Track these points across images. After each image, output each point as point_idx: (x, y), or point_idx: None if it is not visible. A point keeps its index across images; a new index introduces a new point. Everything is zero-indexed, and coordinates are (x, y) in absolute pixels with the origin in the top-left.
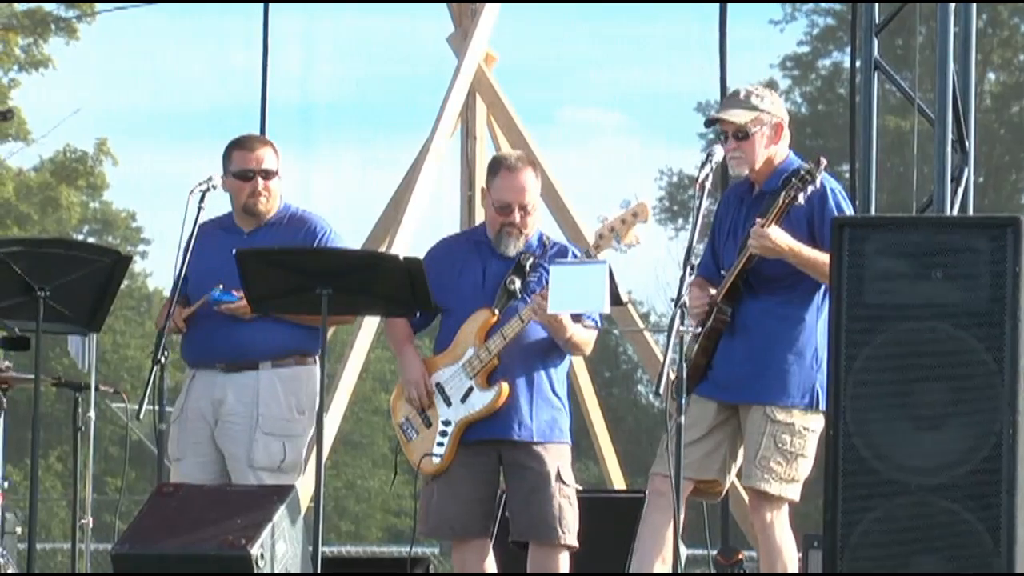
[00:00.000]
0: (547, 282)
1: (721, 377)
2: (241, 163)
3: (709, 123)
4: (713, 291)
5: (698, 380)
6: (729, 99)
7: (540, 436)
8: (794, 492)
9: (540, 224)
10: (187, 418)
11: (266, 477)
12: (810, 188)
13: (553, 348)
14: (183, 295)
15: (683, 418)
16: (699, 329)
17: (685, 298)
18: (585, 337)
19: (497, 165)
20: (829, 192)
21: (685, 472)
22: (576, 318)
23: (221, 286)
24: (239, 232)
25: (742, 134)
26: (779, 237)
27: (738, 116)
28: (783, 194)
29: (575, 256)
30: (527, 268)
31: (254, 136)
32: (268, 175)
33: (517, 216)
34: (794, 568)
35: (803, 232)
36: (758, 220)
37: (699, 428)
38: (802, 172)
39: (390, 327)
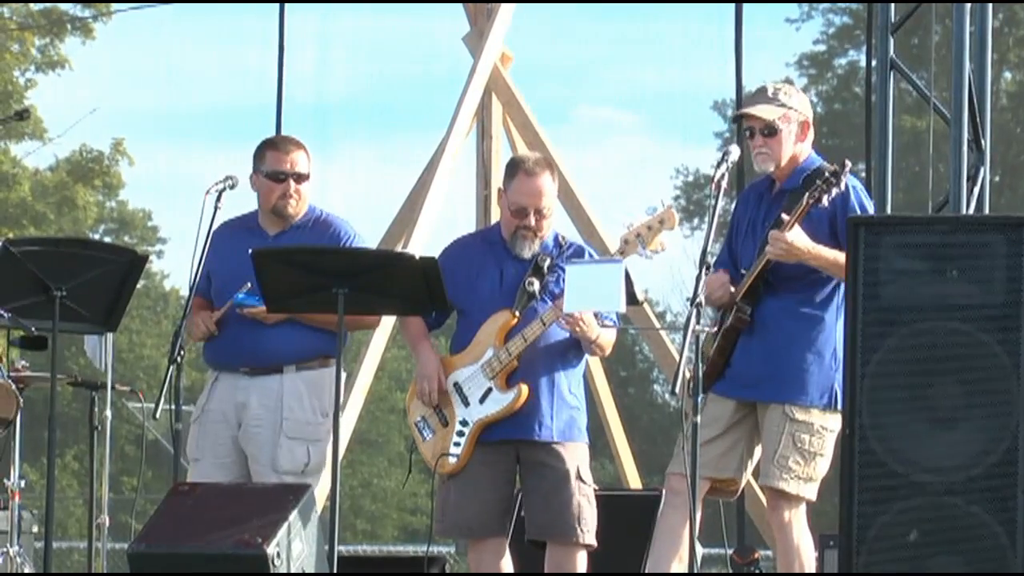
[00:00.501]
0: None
1: (740, 375)
2: (274, 164)
3: (736, 118)
4: (732, 287)
5: (715, 378)
6: (757, 95)
7: (560, 436)
8: (811, 491)
9: (555, 224)
10: (208, 419)
11: (290, 481)
12: (834, 191)
13: (571, 349)
14: (207, 297)
15: (699, 417)
16: (715, 329)
17: (701, 297)
18: (609, 338)
19: (515, 168)
20: (851, 191)
21: (702, 471)
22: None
23: (249, 285)
24: (264, 234)
25: (769, 130)
26: (798, 241)
27: (766, 112)
28: (806, 196)
29: (591, 256)
30: (545, 269)
31: (289, 138)
32: (300, 178)
33: (532, 220)
34: (811, 568)
35: (824, 231)
36: (784, 217)
37: (716, 426)
38: (827, 175)
39: (405, 324)
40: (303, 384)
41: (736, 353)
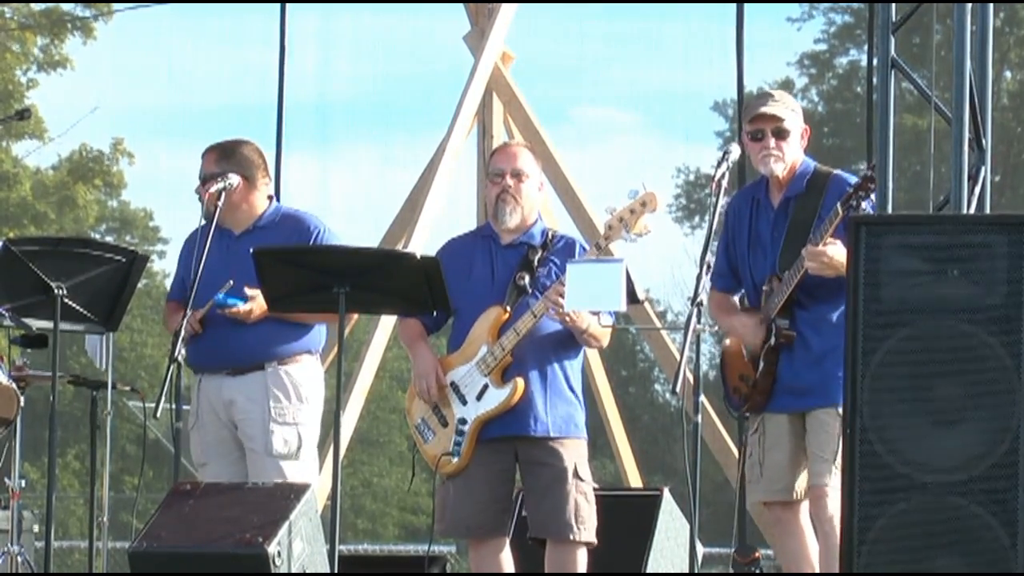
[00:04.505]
0: (558, 276)
1: (788, 389)
2: None
3: (746, 123)
4: (738, 309)
5: (768, 397)
6: (762, 98)
7: (556, 431)
8: None
9: (539, 209)
10: (204, 422)
11: (285, 465)
12: (874, 196)
13: (567, 342)
14: (181, 300)
15: (699, 417)
16: (716, 328)
17: (702, 296)
18: (602, 329)
19: (494, 149)
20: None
21: (783, 495)
22: (593, 314)
23: (232, 283)
24: (230, 234)
25: (782, 133)
26: (836, 253)
27: (781, 111)
28: (839, 206)
29: (583, 248)
30: (535, 263)
31: (214, 143)
32: (205, 178)
33: (510, 181)
34: None
35: (840, 237)
36: (832, 241)
37: (781, 448)
38: (865, 183)
39: (403, 327)
40: (284, 373)
41: (780, 369)
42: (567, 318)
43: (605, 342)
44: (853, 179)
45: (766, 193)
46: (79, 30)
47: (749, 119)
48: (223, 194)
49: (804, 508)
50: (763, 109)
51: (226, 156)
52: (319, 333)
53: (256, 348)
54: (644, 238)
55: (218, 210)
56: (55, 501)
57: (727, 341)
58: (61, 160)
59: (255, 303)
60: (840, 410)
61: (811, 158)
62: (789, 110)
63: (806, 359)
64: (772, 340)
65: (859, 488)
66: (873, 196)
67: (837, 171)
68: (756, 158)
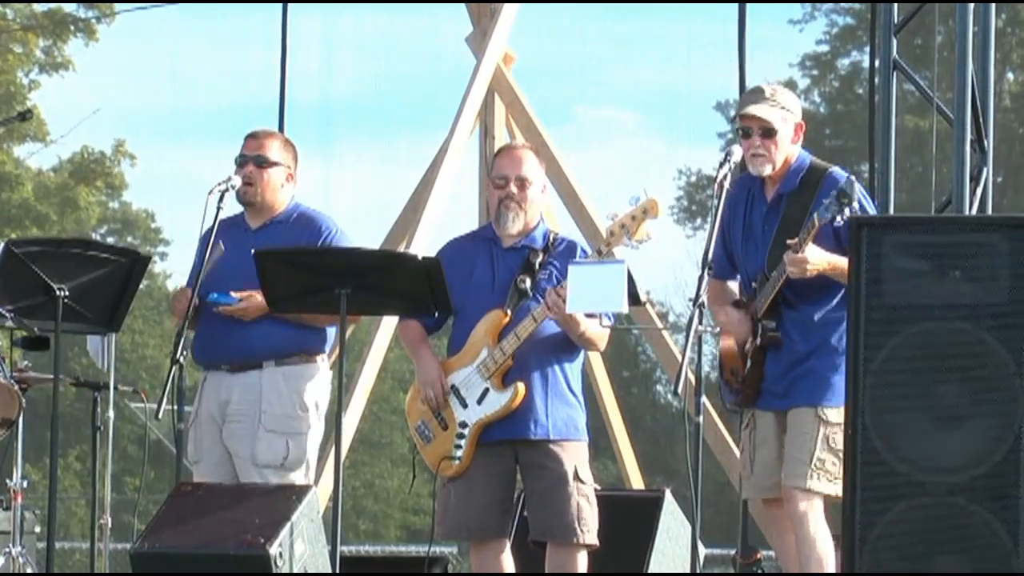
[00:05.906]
0: (559, 279)
1: (773, 388)
2: (241, 150)
3: (736, 119)
4: (736, 297)
5: (755, 395)
6: (753, 95)
7: (557, 434)
8: (839, 488)
9: (541, 211)
10: (200, 421)
11: (270, 475)
12: (847, 211)
13: (567, 344)
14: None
15: (701, 418)
16: (718, 329)
17: (703, 298)
18: (599, 332)
19: (498, 150)
20: None
21: (771, 493)
22: (592, 315)
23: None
24: (247, 228)
25: (768, 131)
26: (816, 259)
27: (767, 113)
28: (816, 217)
29: (584, 252)
30: (536, 266)
31: (266, 129)
32: (262, 163)
33: (514, 187)
34: (830, 557)
35: (829, 237)
36: (791, 242)
37: (769, 445)
38: (839, 197)
39: (404, 329)
40: (282, 377)
41: (767, 368)
42: (564, 319)
43: (603, 345)
44: (844, 176)
45: (760, 186)
46: (81, 31)
47: (739, 115)
48: (223, 196)
49: None
50: (749, 109)
51: (287, 149)
52: (325, 333)
53: (254, 344)
54: (645, 243)
55: (219, 211)
56: (57, 502)
57: (722, 339)
58: (63, 161)
59: (247, 301)
60: (819, 411)
61: (810, 152)
62: (778, 107)
63: (791, 359)
64: (758, 340)
65: (861, 488)
66: (856, 205)
67: (833, 168)
68: (745, 156)
